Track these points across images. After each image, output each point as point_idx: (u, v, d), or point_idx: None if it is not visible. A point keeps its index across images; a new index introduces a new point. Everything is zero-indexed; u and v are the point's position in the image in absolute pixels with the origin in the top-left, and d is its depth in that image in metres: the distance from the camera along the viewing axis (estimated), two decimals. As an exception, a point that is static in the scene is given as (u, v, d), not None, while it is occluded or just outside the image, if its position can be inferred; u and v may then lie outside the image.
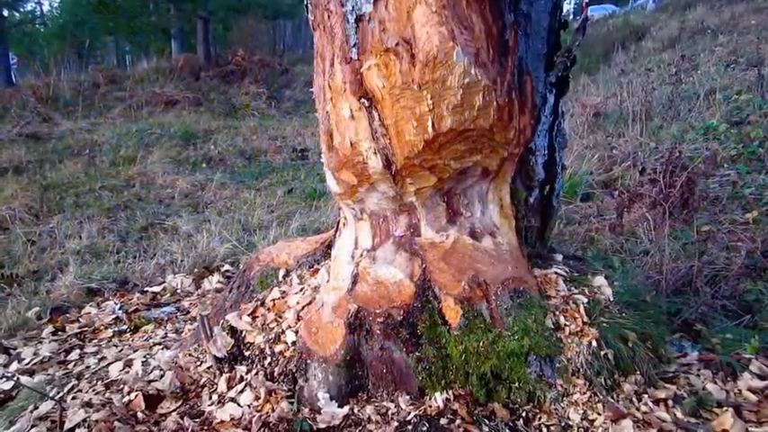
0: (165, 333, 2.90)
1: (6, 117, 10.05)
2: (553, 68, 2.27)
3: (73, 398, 2.19)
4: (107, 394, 2.15)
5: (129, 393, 2.09)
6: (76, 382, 2.39)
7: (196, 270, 3.92)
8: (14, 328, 3.28)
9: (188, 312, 3.23)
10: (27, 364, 2.81)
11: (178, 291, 3.62)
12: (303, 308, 2.12)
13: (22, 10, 25.94)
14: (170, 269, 4.02)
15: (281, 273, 2.35)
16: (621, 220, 3.92)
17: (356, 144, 1.96)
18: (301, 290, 2.22)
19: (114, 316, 3.19)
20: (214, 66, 12.66)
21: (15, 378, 2.70)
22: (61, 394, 2.26)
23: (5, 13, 19.90)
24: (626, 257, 3.85)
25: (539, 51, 2.22)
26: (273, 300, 2.22)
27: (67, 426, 1.95)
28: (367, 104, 1.92)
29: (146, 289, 3.73)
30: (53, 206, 5.71)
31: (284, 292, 2.24)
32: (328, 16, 2.01)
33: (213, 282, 3.65)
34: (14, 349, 3.02)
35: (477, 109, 1.88)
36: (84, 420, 1.95)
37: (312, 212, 4.95)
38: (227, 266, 3.94)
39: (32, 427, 2.01)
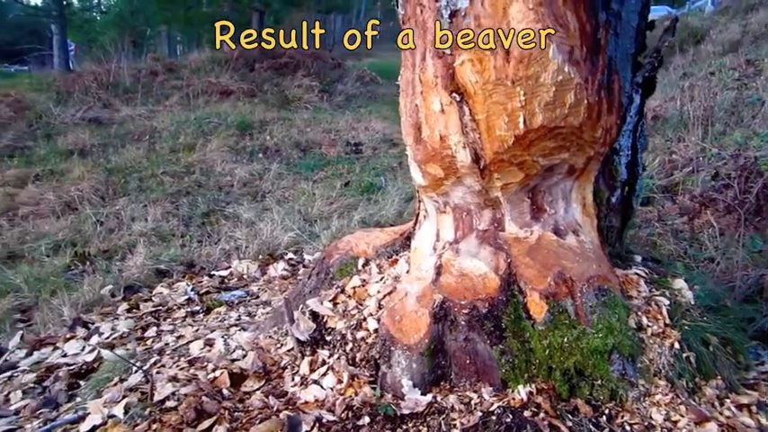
0: (239, 315, 2.98)
1: (70, 101, 10.36)
2: (640, 68, 2.27)
3: (157, 372, 2.28)
4: (191, 370, 2.23)
5: (213, 371, 2.17)
6: (158, 357, 2.49)
7: (261, 257, 4.02)
8: (91, 303, 3.41)
9: (257, 297, 3.31)
10: (107, 338, 2.93)
11: (244, 276, 3.71)
12: (384, 296, 2.17)
13: (81, -2, 26.45)
14: (235, 255, 4.13)
15: (361, 262, 2.40)
16: (693, 225, 3.87)
17: (445, 138, 1.99)
18: (381, 279, 2.26)
19: (187, 297, 3.30)
20: (268, 58, 12.81)
21: (97, 351, 2.83)
22: (145, 368, 2.35)
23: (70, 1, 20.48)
24: (690, 263, 3.81)
25: (627, 51, 2.22)
26: (354, 287, 2.27)
27: (157, 398, 2.04)
28: (458, 99, 1.95)
29: (212, 272, 3.84)
30: (118, 189, 5.89)
31: (364, 280, 2.29)
32: (420, 11, 2.04)
33: (278, 269, 3.73)
34: (93, 324, 3.15)
35: (568, 107, 1.90)
36: (174, 393, 2.03)
37: (370, 206, 5.00)
38: (290, 254, 4.03)
39: (123, 397, 2.10)
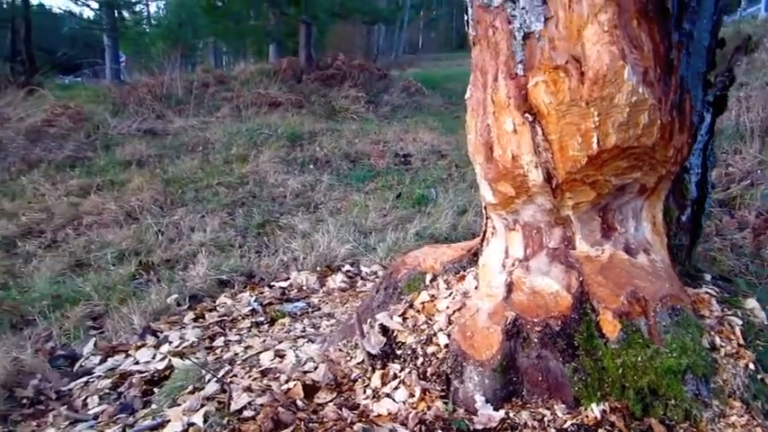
0: (304, 327, 3.06)
1: (125, 113, 10.69)
2: (711, 87, 2.27)
3: (230, 382, 2.36)
4: (265, 381, 2.30)
5: (286, 382, 2.24)
6: (230, 367, 2.57)
7: (318, 268, 4.10)
8: (158, 312, 3.53)
9: (319, 308, 3.39)
10: (176, 347, 3.04)
11: (304, 287, 3.79)
12: (454, 312, 2.21)
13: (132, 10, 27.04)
14: (293, 266, 4.21)
15: (428, 277, 2.45)
16: (759, 241, 3.81)
17: (517, 157, 2.03)
18: (450, 294, 2.30)
19: (250, 308, 3.39)
20: (315, 69, 13.00)
21: (168, 359, 2.93)
22: (219, 378, 2.43)
23: (122, 14, 21.07)
24: (753, 280, 3.75)
25: (698, 70, 2.22)
26: (423, 303, 2.32)
27: (234, 407, 2.11)
28: (530, 119, 1.98)
29: (272, 283, 3.94)
30: (176, 199, 6.06)
31: (433, 295, 2.33)
32: (493, 32, 2.09)
33: (337, 281, 3.80)
34: (161, 332, 3.26)
35: (641, 127, 1.92)
36: (250, 404, 2.10)
37: (423, 218, 5.03)
38: (347, 266, 4.10)
39: (201, 406, 2.18)
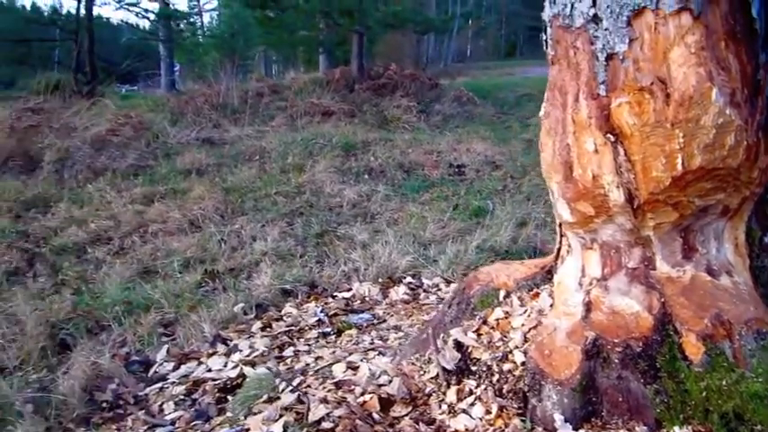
0: (372, 339, 3.10)
1: (182, 122, 10.99)
2: (796, 107, 2.23)
3: (304, 393, 2.42)
4: (339, 393, 2.35)
5: (362, 394, 2.28)
6: (302, 378, 2.63)
7: (380, 280, 4.14)
8: (227, 320, 3.63)
9: (384, 320, 3.43)
10: (247, 355, 3.11)
11: (367, 298, 3.84)
12: (529, 330, 2.22)
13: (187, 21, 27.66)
14: (354, 277, 4.27)
15: (502, 294, 2.46)
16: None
17: (598, 177, 2.03)
18: (525, 312, 2.31)
19: (317, 318, 3.45)
20: (367, 79, 13.13)
21: (239, 367, 3.01)
22: (292, 388, 2.49)
23: (178, 25, 21.65)
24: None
25: (784, 90, 2.19)
26: (497, 319, 2.33)
27: (312, 418, 2.16)
28: (612, 140, 1.99)
29: (335, 294, 4.00)
30: (236, 208, 6.20)
31: (507, 312, 2.35)
32: (574, 53, 2.10)
33: (399, 292, 3.84)
34: (231, 341, 3.35)
35: (727, 148, 1.90)
36: (328, 415, 2.15)
37: (482, 231, 5.04)
38: (408, 278, 4.13)
39: (280, 416, 2.23)
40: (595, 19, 1.99)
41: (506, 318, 2.33)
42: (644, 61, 1.92)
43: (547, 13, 2.27)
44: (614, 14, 1.94)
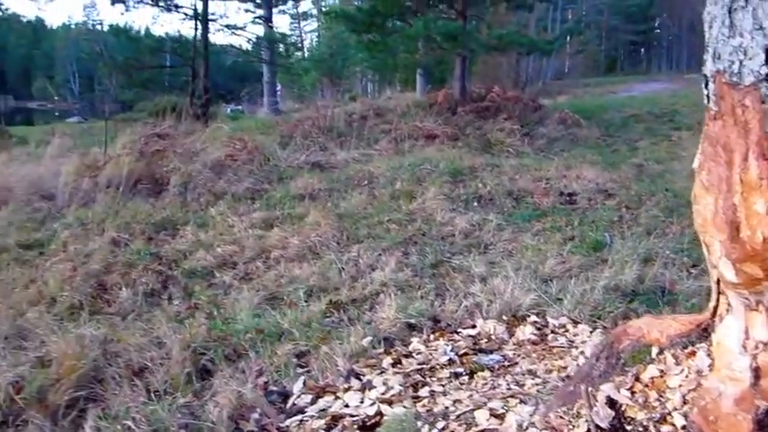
0: (508, 384, 3.11)
1: (291, 145, 11.39)
2: None
3: (449, 439, 2.46)
4: (487, 443, 2.38)
5: (511, 446, 2.30)
6: (445, 423, 2.67)
7: (504, 317, 4.14)
8: (357, 354, 3.73)
9: (515, 363, 3.42)
10: (382, 393, 3.19)
11: (493, 337, 3.84)
12: (689, 392, 2.17)
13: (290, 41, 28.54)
14: (477, 312, 4.28)
15: (654, 350, 2.42)
16: None
17: (769, 240, 1.97)
18: (681, 371, 2.26)
19: (447, 357, 3.49)
20: (469, 101, 13.16)
21: (377, 405, 3.09)
22: (436, 433, 2.54)
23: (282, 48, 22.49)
24: None
25: None
26: (652, 377, 2.29)
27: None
28: (787, 203, 1.93)
29: (459, 330, 4.03)
30: (351, 235, 6.36)
31: (662, 371, 2.30)
32: (742, 111, 2.05)
33: (526, 332, 3.82)
34: (364, 376, 3.45)
35: None
36: (480, 466, 2.19)
37: (603, 266, 4.94)
38: (533, 317, 4.10)
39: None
40: (768, 78, 1.95)
41: (661, 376, 2.29)
42: (825, 125, 1.86)
43: (709, 69, 2.23)
44: (791, 75, 1.89)
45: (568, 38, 32.57)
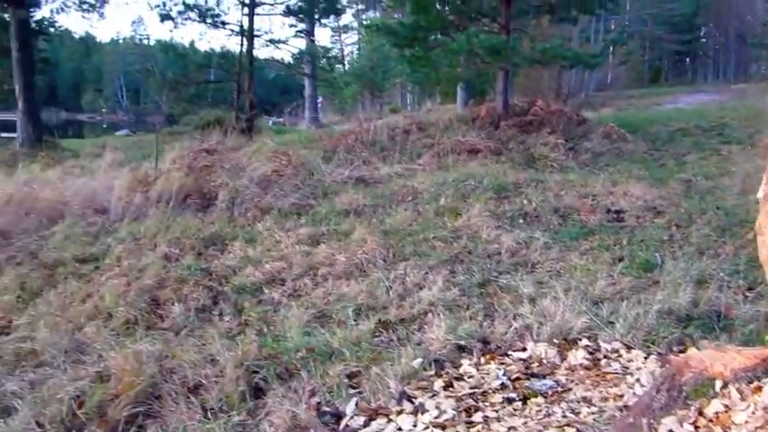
0: (563, 412, 3.08)
1: (334, 159, 11.49)
2: None
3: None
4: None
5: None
6: (502, 451, 2.67)
7: (555, 340, 4.11)
8: (407, 375, 3.74)
9: (569, 389, 3.40)
10: (435, 417, 3.20)
11: (544, 361, 3.82)
12: (756, 429, 2.13)
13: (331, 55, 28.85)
14: (527, 334, 4.26)
15: (718, 384, 2.38)
16: None
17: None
18: (747, 407, 2.23)
19: (500, 381, 3.49)
20: (512, 115, 13.10)
21: (431, 430, 3.10)
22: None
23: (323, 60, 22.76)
24: None
25: None
26: (716, 412, 2.26)
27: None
28: None
29: (509, 352, 4.01)
30: (396, 252, 6.38)
31: (727, 406, 2.27)
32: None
33: (578, 357, 3.79)
34: (415, 398, 3.46)
35: None
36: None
37: (655, 288, 4.86)
38: (585, 341, 4.06)
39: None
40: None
41: (726, 411, 2.26)
42: None
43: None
44: None
45: (611, 48, 32.21)
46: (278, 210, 8.18)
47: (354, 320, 4.78)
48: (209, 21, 15.83)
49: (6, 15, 18.00)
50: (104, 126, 42.70)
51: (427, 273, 5.72)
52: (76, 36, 77.75)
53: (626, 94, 29.42)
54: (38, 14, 19.86)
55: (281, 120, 35.27)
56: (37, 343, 4.71)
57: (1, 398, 3.98)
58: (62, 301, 5.49)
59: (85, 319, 5.13)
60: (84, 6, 16.87)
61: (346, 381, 3.80)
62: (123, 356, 4.12)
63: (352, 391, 3.68)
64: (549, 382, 3.48)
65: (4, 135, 22.05)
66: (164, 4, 15.91)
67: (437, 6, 13.75)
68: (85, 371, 4.20)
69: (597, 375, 3.55)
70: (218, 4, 16.53)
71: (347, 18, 50.36)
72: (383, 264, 6.08)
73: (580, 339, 4.08)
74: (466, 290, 5.33)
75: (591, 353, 3.87)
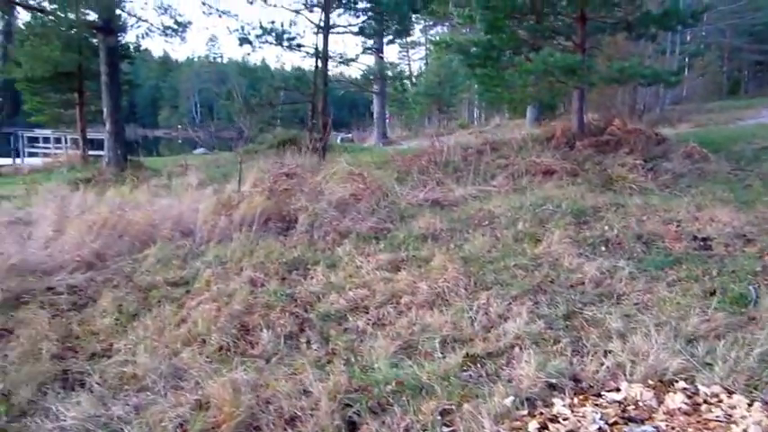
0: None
1: (408, 180, 11.59)
2: None
3: None
4: None
5: None
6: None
7: (650, 381, 4.03)
8: (500, 415, 3.75)
9: (670, 438, 3.34)
10: (533, 461, 3.20)
11: (640, 404, 3.75)
12: None
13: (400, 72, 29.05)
14: (620, 374, 4.20)
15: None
16: None
17: None
18: None
19: (597, 426, 3.45)
20: (588, 135, 12.89)
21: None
22: None
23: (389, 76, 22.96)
24: None
25: None
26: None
27: None
28: None
29: (603, 393, 3.96)
30: (477, 280, 6.38)
31: None
32: None
33: (676, 401, 3.70)
34: (513, 440, 3.47)
35: None
36: None
37: (752, 326, 4.70)
38: (682, 383, 3.97)
39: None
40: None
41: None
42: None
43: None
44: None
45: (686, 59, 31.25)
46: (356, 234, 8.30)
47: (441, 353, 4.81)
48: (285, 44, 16.28)
49: (96, 41, 19.06)
50: (180, 141, 44.30)
51: (510, 303, 5.71)
52: (156, 56, 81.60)
53: (704, 108, 28.33)
54: (123, 39, 20.97)
55: (349, 135, 35.79)
56: (138, 367, 4.94)
57: (109, 421, 4.20)
58: (158, 326, 5.73)
59: (181, 344, 5.34)
60: (168, 32, 17.60)
61: (440, 418, 3.83)
62: (221, 384, 4.29)
63: (446, 430, 3.72)
64: (648, 428, 3.41)
65: (92, 153, 23.30)
66: (242, 29, 16.50)
67: (510, 25, 13.71)
68: (185, 397, 4.38)
69: (698, 422, 3.46)
70: (291, 26, 17.02)
71: (415, 34, 50.66)
72: (465, 292, 6.09)
73: (676, 381, 3.98)
74: (551, 322, 5.29)
75: (689, 396, 3.77)
